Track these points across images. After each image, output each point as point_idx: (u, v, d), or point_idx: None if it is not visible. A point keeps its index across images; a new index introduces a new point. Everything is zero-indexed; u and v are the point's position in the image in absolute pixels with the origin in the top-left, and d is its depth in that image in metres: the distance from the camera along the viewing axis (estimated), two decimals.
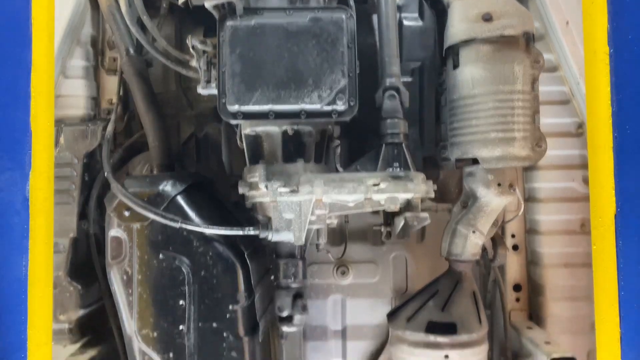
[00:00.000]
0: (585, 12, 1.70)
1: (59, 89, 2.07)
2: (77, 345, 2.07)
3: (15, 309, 1.49)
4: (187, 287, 1.83)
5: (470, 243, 1.89)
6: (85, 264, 2.14)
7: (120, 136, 2.22)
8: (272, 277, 1.88)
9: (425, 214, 1.71)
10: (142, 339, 1.85)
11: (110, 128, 1.99)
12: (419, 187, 1.65)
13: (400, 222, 1.72)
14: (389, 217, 1.90)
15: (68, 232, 2.06)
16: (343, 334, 2.34)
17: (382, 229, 2.02)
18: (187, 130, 2.27)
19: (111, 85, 2.23)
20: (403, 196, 1.68)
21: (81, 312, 2.09)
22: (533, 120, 1.68)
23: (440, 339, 1.85)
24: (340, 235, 2.26)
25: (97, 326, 2.19)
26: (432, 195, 1.74)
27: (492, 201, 1.84)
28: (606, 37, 1.60)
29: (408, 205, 1.71)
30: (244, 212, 1.92)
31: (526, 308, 2.27)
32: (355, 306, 2.33)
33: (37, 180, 1.56)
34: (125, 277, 1.85)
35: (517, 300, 2.28)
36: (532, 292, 2.26)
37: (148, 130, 1.99)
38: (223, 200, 2.06)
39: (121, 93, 2.19)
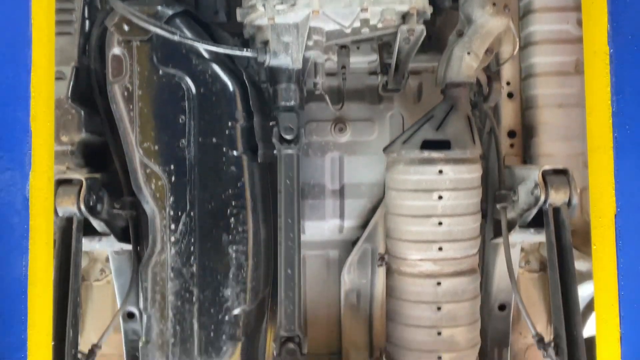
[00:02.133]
0: (585, 12, 1.70)
1: None
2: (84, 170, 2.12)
3: (15, 309, 1.49)
4: (186, 102, 1.89)
5: (465, 65, 1.96)
6: (86, 95, 2.16)
7: None
8: (273, 124, 1.91)
9: (421, 26, 1.79)
10: (143, 152, 1.91)
11: None
12: None
13: (398, 36, 1.78)
14: (385, 67, 2.00)
15: (70, 60, 2.09)
16: (341, 192, 2.39)
17: (379, 78, 2.15)
18: None
19: None
20: (399, 8, 1.74)
21: (83, 136, 2.11)
22: None
23: (435, 154, 1.91)
24: (338, 94, 2.31)
25: (99, 155, 2.23)
26: (429, 11, 1.80)
27: (488, 22, 1.92)
28: (606, 37, 1.60)
29: (404, 19, 1.77)
30: None
31: (520, 153, 2.33)
32: (352, 163, 2.38)
33: (37, 180, 1.56)
34: (126, 94, 1.90)
35: (512, 146, 2.33)
36: (526, 135, 2.31)
37: None
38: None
39: None
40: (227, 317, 1.95)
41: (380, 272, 2.35)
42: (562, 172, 1.90)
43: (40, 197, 1.57)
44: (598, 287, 1.63)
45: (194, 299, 1.93)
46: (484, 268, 2.43)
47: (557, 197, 1.87)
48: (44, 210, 1.59)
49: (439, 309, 1.97)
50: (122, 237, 2.14)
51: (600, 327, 1.61)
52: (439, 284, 1.97)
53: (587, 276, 2.23)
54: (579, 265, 2.12)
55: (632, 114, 1.58)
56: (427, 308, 1.98)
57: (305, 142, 2.03)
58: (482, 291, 2.39)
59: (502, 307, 2.53)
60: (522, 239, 2.19)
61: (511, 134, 2.34)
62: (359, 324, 2.59)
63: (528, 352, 2.75)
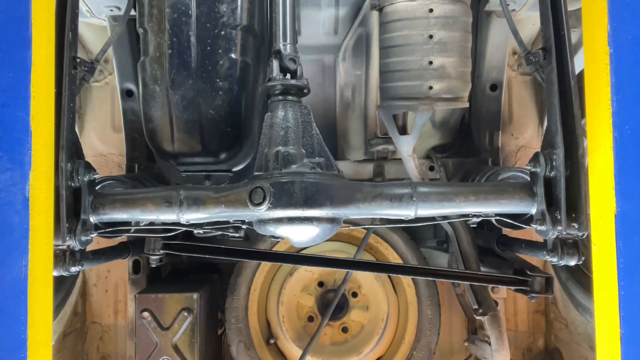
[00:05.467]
0: (585, 12, 1.70)
1: None
2: None
3: (15, 309, 1.49)
4: None
5: None
6: None
7: None
8: None
9: None
10: None
11: None
12: None
13: None
14: None
15: None
16: None
17: None
18: None
19: None
20: None
21: None
22: None
23: None
24: None
25: None
26: None
27: None
28: (606, 37, 1.60)
29: None
30: None
31: None
32: None
33: (37, 180, 1.56)
34: None
35: None
36: None
37: None
38: None
39: None
40: (222, 32, 2.02)
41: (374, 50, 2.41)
42: None
43: (40, 197, 1.57)
44: (598, 287, 1.63)
45: (191, 12, 2.00)
46: (476, 46, 2.51)
47: None
48: (44, 210, 1.59)
49: (430, 37, 2.01)
50: None
51: (600, 327, 1.61)
52: (431, 10, 2.01)
53: None
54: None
55: (632, 114, 1.58)
56: (418, 36, 2.03)
57: None
58: (474, 71, 2.51)
59: (493, 87, 2.63)
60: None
61: None
62: (353, 122, 2.71)
63: (519, 153, 2.89)
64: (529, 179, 1.94)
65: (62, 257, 1.87)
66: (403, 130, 2.19)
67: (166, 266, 2.95)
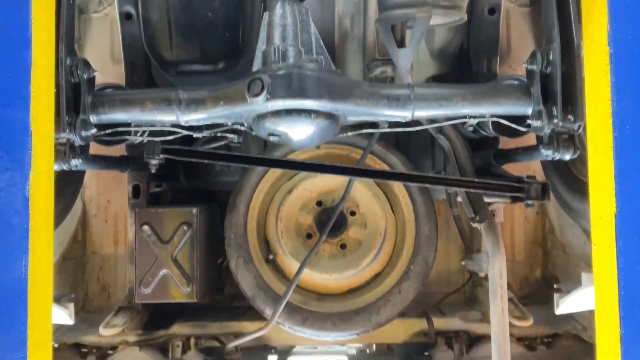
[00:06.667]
0: (585, 12, 1.70)
1: None
2: None
3: (15, 309, 1.49)
4: None
5: None
6: None
7: None
8: None
9: None
10: None
11: None
12: None
13: None
14: None
15: None
16: None
17: None
18: None
19: None
20: None
21: None
22: None
23: None
24: None
25: None
26: None
27: None
28: (606, 37, 1.60)
29: None
30: None
31: None
32: None
33: (37, 180, 1.55)
34: None
35: None
36: None
37: None
38: None
39: None
40: None
41: None
42: None
43: (40, 197, 1.57)
44: (598, 287, 1.62)
45: None
46: None
47: None
48: (44, 210, 1.59)
49: None
50: None
51: (600, 327, 1.61)
52: None
53: None
54: None
55: (632, 114, 1.58)
56: None
57: None
58: None
59: (491, 11, 2.60)
60: None
61: None
62: (352, 53, 2.71)
63: None
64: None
65: (62, 151, 1.88)
66: (401, 44, 2.17)
67: (166, 193, 2.95)
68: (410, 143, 3.03)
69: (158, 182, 2.85)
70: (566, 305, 2.59)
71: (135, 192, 2.81)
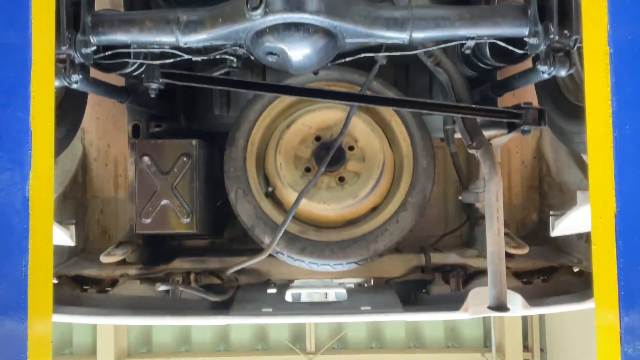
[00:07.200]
0: (585, 12, 1.69)
1: None
2: None
3: (15, 309, 1.49)
4: None
5: None
6: None
7: None
8: None
9: None
10: None
11: None
12: None
13: None
14: None
15: None
16: None
17: None
18: None
19: None
20: None
21: None
22: None
23: None
24: None
25: None
26: None
27: None
28: (606, 37, 1.60)
29: None
30: None
31: None
32: None
33: (37, 180, 1.55)
34: None
35: None
36: None
37: None
38: None
39: None
40: None
41: None
42: None
43: (40, 197, 1.57)
44: (598, 287, 1.62)
45: None
46: None
47: None
48: (44, 210, 1.59)
49: None
50: None
51: (601, 327, 1.61)
52: None
53: None
54: None
55: (632, 114, 1.58)
56: None
57: None
58: None
59: None
60: None
61: None
62: None
63: None
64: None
65: (62, 67, 1.88)
66: None
67: (165, 134, 2.97)
68: (408, 86, 3.06)
69: (158, 123, 2.85)
70: (562, 227, 2.60)
71: (135, 131, 2.83)
